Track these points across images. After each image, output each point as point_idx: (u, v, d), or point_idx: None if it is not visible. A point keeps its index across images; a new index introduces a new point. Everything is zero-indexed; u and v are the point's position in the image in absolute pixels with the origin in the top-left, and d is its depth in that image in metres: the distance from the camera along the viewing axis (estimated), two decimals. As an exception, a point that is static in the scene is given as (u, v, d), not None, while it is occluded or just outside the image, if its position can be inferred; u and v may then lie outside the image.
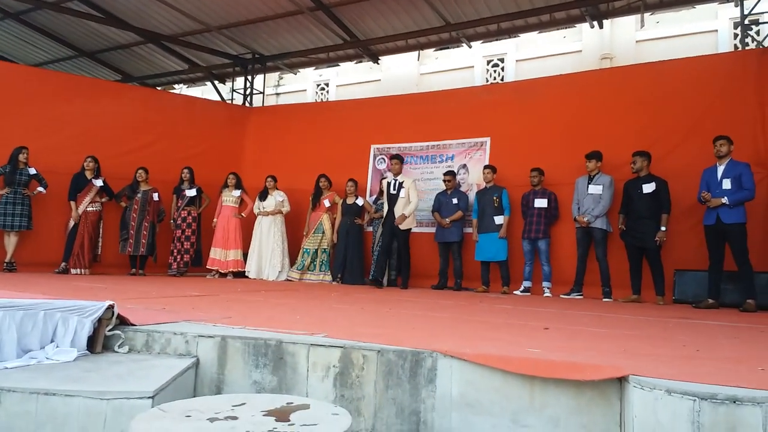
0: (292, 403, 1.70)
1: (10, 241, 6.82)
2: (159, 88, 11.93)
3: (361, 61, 11.74)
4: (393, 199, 6.88)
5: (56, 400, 1.90)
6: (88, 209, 7.28)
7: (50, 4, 8.76)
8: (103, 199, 7.49)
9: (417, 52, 11.81)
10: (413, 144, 8.22)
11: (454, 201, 7.28)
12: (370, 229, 7.90)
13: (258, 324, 2.73)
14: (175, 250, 7.85)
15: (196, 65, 11.04)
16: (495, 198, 6.95)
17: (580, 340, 2.76)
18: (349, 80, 14.26)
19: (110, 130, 8.24)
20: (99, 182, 7.38)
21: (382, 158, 8.44)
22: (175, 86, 12.78)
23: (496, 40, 11.09)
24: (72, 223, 7.21)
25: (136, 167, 7.75)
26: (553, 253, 6.74)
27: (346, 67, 13.41)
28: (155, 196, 7.77)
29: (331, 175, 8.10)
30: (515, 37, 11.12)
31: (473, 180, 7.65)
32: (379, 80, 13.40)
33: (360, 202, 7.89)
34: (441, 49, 11.75)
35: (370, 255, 7.75)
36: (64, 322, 2.47)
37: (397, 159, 7.09)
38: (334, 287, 6.87)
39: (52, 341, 2.44)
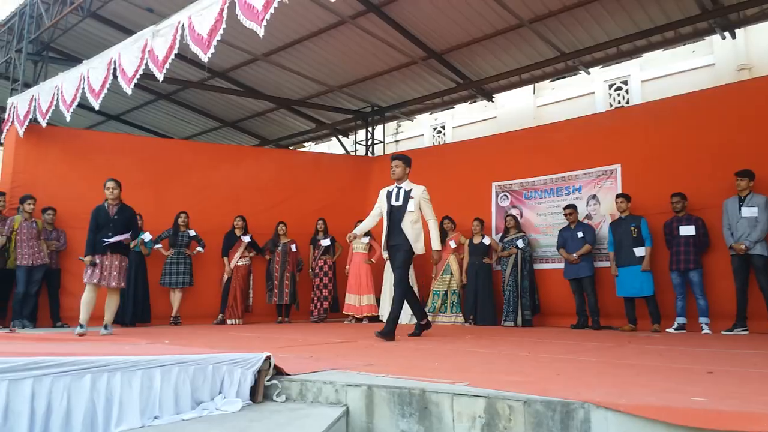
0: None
1: (175, 297, 7.70)
2: (290, 148, 12.95)
3: (475, 101, 11.85)
4: (397, 214, 5.23)
5: (231, 448, 2.10)
6: (239, 263, 8.01)
7: (196, 84, 9.98)
8: (251, 254, 8.20)
9: (532, 86, 11.66)
10: (536, 178, 8.05)
11: (579, 235, 6.97)
12: (499, 268, 7.77)
13: (399, 371, 2.80)
14: (314, 298, 8.32)
15: (322, 123, 11.85)
16: (633, 228, 6.53)
17: (753, 385, 2.49)
18: (465, 120, 14.40)
19: (252, 191, 9.06)
20: (247, 238, 8.10)
21: (505, 195, 8.35)
22: (304, 144, 13.77)
23: (617, 62, 10.64)
24: (226, 277, 7.97)
25: (276, 222, 8.42)
26: (708, 284, 6.13)
27: (461, 108, 13.59)
28: (293, 248, 8.35)
29: (454, 215, 8.16)
30: (638, 57, 10.58)
31: (605, 210, 7.28)
32: (495, 117, 13.38)
33: (487, 241, 7.83)
34: (557, 79, 11.50)
35: (501, 295, 7.60)
36: (229, 374, 2.73)
37: (399, 160, 5.34)
38: (467, 329, 6.81)
39: (219, 392, 2.71)
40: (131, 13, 8.03)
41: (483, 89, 9.93)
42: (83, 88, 6.66)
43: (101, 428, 2.20)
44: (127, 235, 5.75)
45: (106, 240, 5.66)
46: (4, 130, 8.12)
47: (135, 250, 7.28)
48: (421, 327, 5.50)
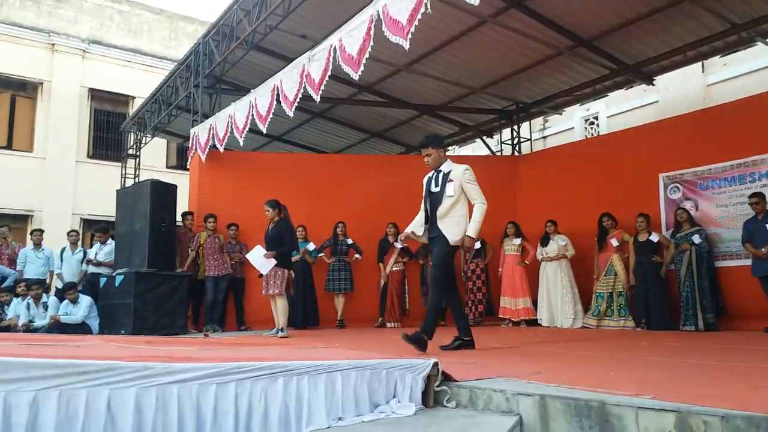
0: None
1: (339, 302, 8.23)
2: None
3: (632, 86, 10.95)
4: (435, 202, 4.60)
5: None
6: (393, 269, 8.31)
7: (346, 100, 10.54)
8: (405, 259, 8.45)
9: (700, 64, 10.48)
10: (713, 165, 7.21)
11: (768, 226, 6.10)
12: (673, 267, 7.09)
13: (571, 381, 2.69)
14: (468, 301, 8.32)
15: (465, 125, 11.81)
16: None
17: None
18: (621, 108, 13.38)
19: (401, 197, 9.28)
20: (399, 245, 8.37)
21: (676, 187, 7.60)
22: (449, 148, 13.84)
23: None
24: (383, 282, 8.33)
25: (425, 228, 8.58)
26: None
27: (616, 95, 12.65)
28: (445, 253, 8.44)
29: (615, 212, 7.62)
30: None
31: (801, 197, 6.29)
32: (656, 102, 12.25)
33: (655, 238, 7.19)
34: (729, 53, 10.21)
35: (676, 296, 6.92)
36: (402, 379, 2.84)
37: (427, 146, 4.67)
38: (639, 334, 6.32)
39: (393, 396, 2.83)
40: (288, 41, 8.74)
41: (641, 72, 9.15)
42: (252, 114, 7.40)
43: (294, 428, 2.42)
44: (259, 258, 6.38)
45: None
46: (189, 157, 9.30)
47: (302, 259, 7.95)
48: (461, 343, 4.50)
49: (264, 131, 7.40)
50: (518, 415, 2.53)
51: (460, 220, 4.50)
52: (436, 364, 2.91)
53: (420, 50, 8.68)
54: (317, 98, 6.16)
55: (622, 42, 8.35)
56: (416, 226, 4.71)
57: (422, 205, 4.75)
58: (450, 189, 4.53)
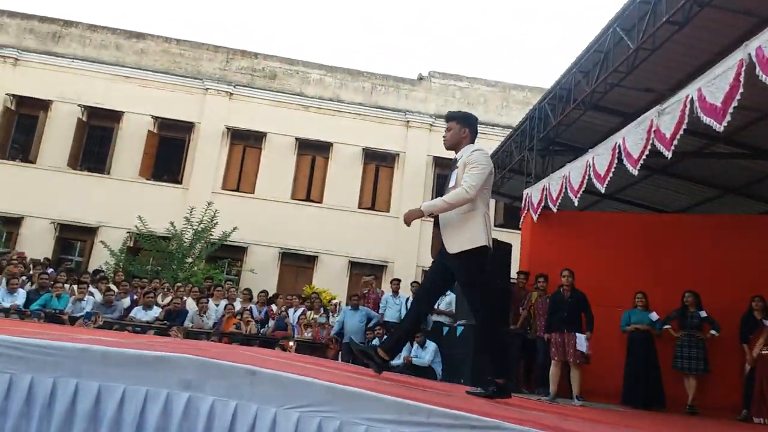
0: None
1: (690, 384, 7.13)
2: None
3: None
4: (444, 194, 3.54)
5: None
6: (762, 352, 6.83)
7: (695, 153, 9.41)
8: (778, 342, 6.89)
9: None
10: None
11: None
12: None
13: None
14: None
15: None
16: None
17: None
18: None
19: (766, 265, 7.71)
20: (770, 323, 6.89)
21: None
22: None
23: None
24: (748, 367, 6.91)
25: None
26: None
27: None
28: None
29: None
30: None
31: None
32: None
33: None
34: None
35: None
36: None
37: (453, 120, 3.73)
38: None
39: None
40: (628, 97, 8.37)
41: None
42: (589, 174, 7.26)
43: None
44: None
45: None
46: (522, 217, 9.62)
47: (644, 331, 7.26)
48: (494, 388, 3.45)
49: (602, 191, 7.16)
50: None
51: (464, 222, 3.43)
52: None
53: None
54: (668, 154, 5.68)
55: None
56: None
57: None
58: (453, 178, 3.55)
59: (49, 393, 2.19)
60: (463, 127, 3.70)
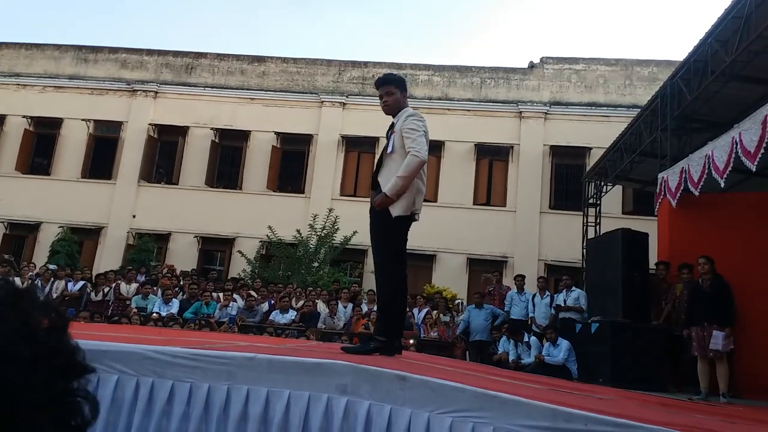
0: None
1: None
2: None
3: None
4: (380, 163, 3.63)
5: None
6: None
7: None
8: None
9: None
10: None
11: None
12: None
13: None
14: None
15: None
16: None
17: None
18: None
19: None
20: None
21: None
22: None
23: None
24: None
25: None
26: None
27: None
28: None
29: None
30: None
31: None
32: None
33: None
34: None
35: None
36: None
37: (386, 84, 3.63)
38: None
39: None
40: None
41: None
42: (737, 151, 6.56)
43: None
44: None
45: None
46: (657, 203, 8.92)
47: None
48: (374, 345, 3.39)
49: (753, 169, 6.42)
50: None
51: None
52: None
53: None
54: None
55: None
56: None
57: None
58: (391, 144, 3.55)
59: (224, 399, 2.40)
60: (402, 90, 3.71)
